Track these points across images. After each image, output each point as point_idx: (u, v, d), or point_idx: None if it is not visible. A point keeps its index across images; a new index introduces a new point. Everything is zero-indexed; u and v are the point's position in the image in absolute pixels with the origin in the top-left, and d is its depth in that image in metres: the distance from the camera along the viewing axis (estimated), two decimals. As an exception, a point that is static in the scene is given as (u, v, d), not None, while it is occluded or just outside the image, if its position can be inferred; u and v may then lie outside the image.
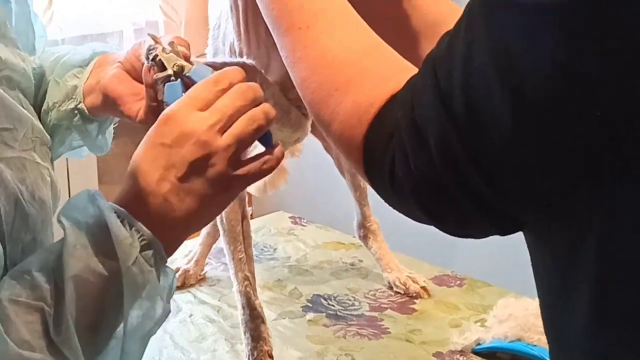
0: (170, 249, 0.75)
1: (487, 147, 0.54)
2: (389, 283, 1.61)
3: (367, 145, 0.64)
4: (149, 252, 0.71)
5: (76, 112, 0.92)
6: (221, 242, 1.40)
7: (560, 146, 0.52)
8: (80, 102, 0.92)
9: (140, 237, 0.71)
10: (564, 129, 0.51)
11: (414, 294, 1.57)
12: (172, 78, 0.80)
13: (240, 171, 0.74)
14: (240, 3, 1.10)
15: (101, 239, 0.70)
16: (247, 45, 1.14)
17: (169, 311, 0.75)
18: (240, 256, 1.32)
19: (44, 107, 0.93)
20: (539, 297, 0.64)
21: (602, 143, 0.51)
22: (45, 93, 0.93)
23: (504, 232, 0.61)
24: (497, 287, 1.60)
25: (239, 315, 1.34)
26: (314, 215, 2.03)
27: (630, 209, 0.52)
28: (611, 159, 0.51)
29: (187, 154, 0.72)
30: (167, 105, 0.76)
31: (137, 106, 0.86)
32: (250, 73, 0.99)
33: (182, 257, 1.75)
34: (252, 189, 1.67)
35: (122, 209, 0.72)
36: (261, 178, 0.77)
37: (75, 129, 0.94)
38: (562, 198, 0.55)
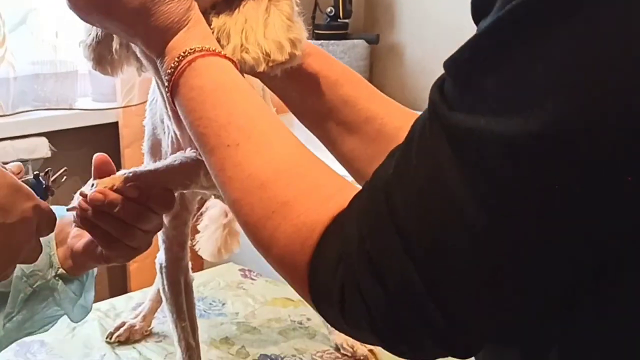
0: None
1: (447, 280, 0.54)
2: (336, 345, 1.61)
3: (313, 273, 0.61)
4: None
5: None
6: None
7: (517, 284, 0.53)
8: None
9: None
10: (520, 268, 0.52)
11: (362, 357, 1.57)
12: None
13: None
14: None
15: None
16: (182, 139, 1.07)
17: None
18: (183, 325, 1.32)
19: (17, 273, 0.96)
20: None
21: (564, 282, 0.53)
22: None
23: (460, 357, 0.60)
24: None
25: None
26: (263, 268, 2.02)
27: (588, 340, 0.53)
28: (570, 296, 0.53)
29: None
30: None
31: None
32: (192, 169, 0.96)
33: (130, 311, 1.74)
34: (206, 254, 1.67)
35: None
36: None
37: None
38: (518, 331, 0.56)
